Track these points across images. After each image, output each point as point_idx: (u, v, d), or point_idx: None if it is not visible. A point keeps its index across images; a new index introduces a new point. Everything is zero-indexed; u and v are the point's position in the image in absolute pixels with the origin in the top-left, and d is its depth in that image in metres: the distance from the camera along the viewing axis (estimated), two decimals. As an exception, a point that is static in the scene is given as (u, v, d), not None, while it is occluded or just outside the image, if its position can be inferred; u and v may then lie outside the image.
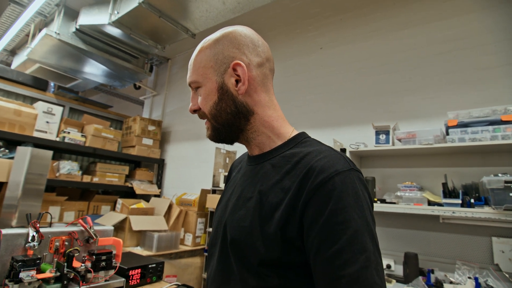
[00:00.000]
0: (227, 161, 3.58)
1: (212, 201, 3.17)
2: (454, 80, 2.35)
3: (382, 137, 2.35)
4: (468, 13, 2.38)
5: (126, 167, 3.94)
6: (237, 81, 0.70)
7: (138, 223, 2.90)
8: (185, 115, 4.43)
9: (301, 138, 0.73)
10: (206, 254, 3.20)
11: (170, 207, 3.33)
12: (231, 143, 0.77)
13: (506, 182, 1.71)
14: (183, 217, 3.31)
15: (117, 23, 3.02)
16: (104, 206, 3.75)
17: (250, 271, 0.62)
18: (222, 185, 3.28)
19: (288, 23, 3.54)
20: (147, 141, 4.14)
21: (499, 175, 1.81)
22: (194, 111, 0.76)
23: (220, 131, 0.73)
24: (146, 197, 3.93)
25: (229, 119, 0.71)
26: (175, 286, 1.35)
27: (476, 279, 1.76)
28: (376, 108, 2.66)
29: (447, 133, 2.03)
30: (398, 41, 2.68)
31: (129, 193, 3.98)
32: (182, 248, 3.10)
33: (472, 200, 1.85)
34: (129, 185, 3.84)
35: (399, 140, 2.24)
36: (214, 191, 3.33)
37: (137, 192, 3.79)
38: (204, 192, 3.41)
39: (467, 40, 2.34)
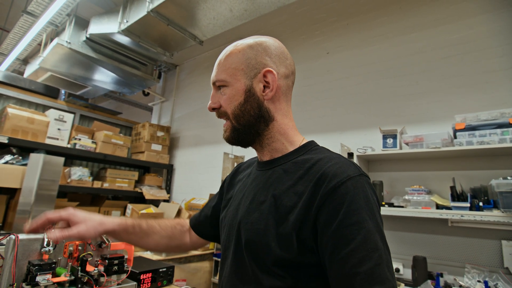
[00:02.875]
0: (235, 166, 3.60)
1: (220, 206, 3.19)
2: (461, 83, 2.34)
3: (390, 141, 2.35)
4: (473, 17, 2.38)
5: (136, 173, 4.00)
6: (264, 87, 0.74)
7: (147, 227, 2.94)
8: (193, 120, 4.49)
9: (311, 146, 0.77)
10: (215, 258, 3.22)
11: (179, 212, 3.37)
12: (246, 146, 0.79)
13: (515, 185, 1.69)
14: (191, 222, 3.34)
15: (126, 32, 3.10)
16: (114, 211, 3.81)
17: (264, 271, 0.65)
18: (229, 190, 3.31)
19: (294, 29, 3.57)
20: (156, 147, 4.20)
21: (508, 178, 1.80)
22: (213, 109, 0.78)
23: (240, 132, 0.75)
24: (155, 202, 3.98)
25: (251, 121, 0.74)
26: (185, 289, 1.38)
27: (485, 282, 1.75)
28: (383, 112, 2.66)
29: (455, 137, 2.02)
30: (404, 45, 2.69)
31: (139, 199, 4.04)
32: (192, 252, 3.12)
33: (481, 204, 1.84)
34: (139, 191, 3.90)
35: (407, 144, 2.25)
36: (222, 196, 3.36)
37: (147, 197, 3.85)
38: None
39: (473, 44, 2.34)
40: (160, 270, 1.42)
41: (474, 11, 2.38)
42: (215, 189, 3.53)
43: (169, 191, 4.36)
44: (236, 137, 0.76)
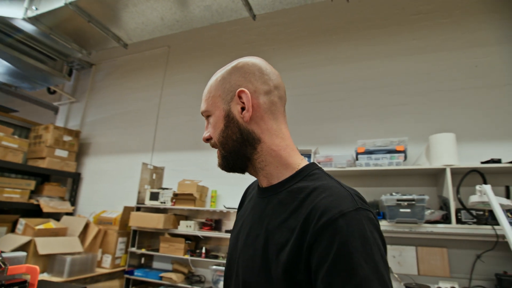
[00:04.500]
0: (154, 177, 3.45)
1: (137, 219, 3.00)
2: (364, 113, 2.80)
3: (302, 157, 2.62)
4: (373, 60, 2.89)
5: (32, 182, 3.44)
6: (242, 109, 0.69)
7: (46, 246, 2.56)
8: (109, 126, 4.13)
9: (310, 170, 0.70)
10: (126, 276, 2.98)
11: (86, 226, 3.02)
12: (242, 172, 0.75)
13: (397, 200, 2.09)
14: (101, 237, 3.04)
15: (33, 20, 2.74)
16: (-2, 227, 3.19)
17: None
18: (147, 202, 3.14)
19: (223, 46, 3.68)
20: (61, 153, 3.70)
21: (394, 194, 2.21)
22: (207, 140, 0.75)
23: (228, 159, 0.72)
24: (56, 216, 3.48)
25: (236, 147, 0.70)
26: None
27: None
28: (300, 134, 2.96)
29: (357, 158, 2.39)
30: (321, 75, 3.07)
31: (34, 211, 3.46)
32: (99, 271, 2.83)
33: (374, 216, 2.20)
34: (35, 202, 3.35)
35: (319, 163, 2.54)
36: (138, 209, 3.16)
37: (45, 210, 3.34)
38: (127, 210, 3.21)
39: (375, 82, 2.84)
40: (70, 294, 1.28)
41: (375, 55, 2.89)
42: (131, 202, 3.31)
43: (73, 203, 3.87)
44: (226, 164, 0.73)
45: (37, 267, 1.16)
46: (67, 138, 3.80)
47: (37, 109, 5.35)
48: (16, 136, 3.40)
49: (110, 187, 3.83)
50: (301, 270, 0.56)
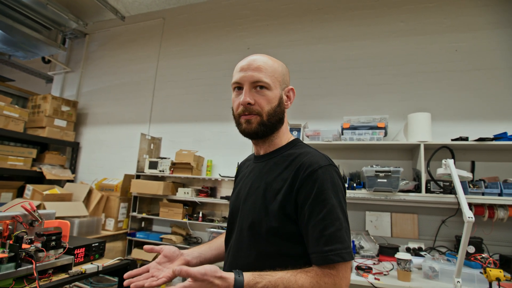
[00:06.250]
0: (152, 147, 3.63)
1: (137, 186, 3.22)
2: (351, 91, 2.98)
3: (295, 133, 2.83)
4: (362, 40, 3.03)
5: (34, 150, 3.58)
6: (287, 98, 0.98)
7: (55, 209, 2.75)
8: (106, 97, 4.22)
9: (296, 143, 0.99)
10: (129, 238, 3.25)
11: (90, 192, 3.23)
12: (262, 138, 0.95)
13: (376, 171, 2.35)
14: (104, 202, 3.27)
15: (30, -10, 2.74)
16: (4, 193, 3.36)
17: (260, 239, 0.86)
18: (147, 171, 3.35)
19: (219, 19, 3.72)
20: (60, 123, 3.82)
21: (374, 166, 2.47)
22: (249, 104, 0.90)
23: (267, 127, 0.92)
24: (58, 183, 3.68)
25: (276, 121, 0.94)
26: (118, 260, 1.50)
27: (353, 241, 2.40)
28: (290, 109, 3.12)
29: (342, 133, 2.61)
30: (311, 53, 3.20)
31: (37, 179, 3.64)
32: (104, 233, 3.09)
33: (355, 184, 2.47)
34: (38, 170, 3.52)
35: (308, 136, 2.75)
36: (138, 176, 3.37)
37: (48, 177, 3.51)
38: (127, 177, 3.42)
39: (362, 61, 3.00)
40: (93, 245, 1.50)
41: (364, 36, 3.03)
42: (131, 170, 3.52)
43: (74, 171, 4.05)
44: (262, 130, 0.91)
45: (68, 222, 1.38)
46: (65, 108, 3.89)
47: (28, 78, 5.31)
48: (16, 106, 3.48)
49: (108, 156, 3.99)
50: (291, 205, 0.85)
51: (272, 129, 0.94)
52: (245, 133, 0.93)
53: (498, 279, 1.50)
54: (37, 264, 1.16)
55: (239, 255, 0.91)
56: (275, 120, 0.93)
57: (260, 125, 0.91)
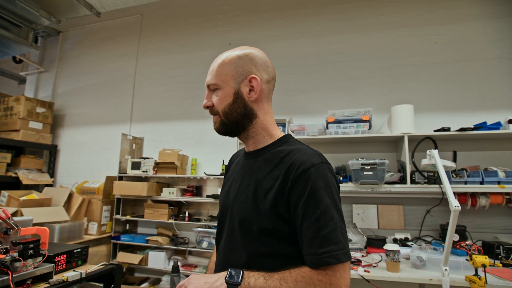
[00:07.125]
0: (134, 147, 3.53)
1: (120, 188, 3.12)
2: (334, 85, 2.99)
3: (280, 128, 2.81)
4: (347, 34, 3.04)
5: (8, 155, 3.40)
6: (250, 90, 0.89)
7: (33, 216, 2.62)
8: (83, 97, 4.05)
9: (286, 139, 0.94)
10: (113, 241, 3.15)
11: (70, 196, 3.10)
12: (234, 136, 0.95)
13: (362, 164, 2.37)
14: (86, 206, 3.15)
15: (-3, -15, 2.58)
16: (-24, 200, 3.18)
17: (252, 239, 0.83)
18: (129, 172, 3.25)
19: (199, 15, 3.64)
20: (36, 125, 3.64)
21: (359, 159, 2.49)
22: (207, 107, 0.92)
23: (227, 126, 0.91)
24: (36, 188, 3.51)
25: (237, 118, 0.89)
26: (103, 266, 1.44)
27: (341, 235, 2.41)
28: (275, 104, 3.10)
29: (327, 127, 2.62)
30: (294, 48, 3.19)
31: (12, 184, 3.46)
32: (87, 237, 2.97)
33: (341, 178, 2.48)
34: (13, 175, 3.34)
35: (293, 131, 2.74)
36: (121, 178, 3.27)
37: (24, 182, 3.35)
38: (109, 179, 3.30)
39: (344, 55, 3.01)
40: (75, 251, 1.43)
41: (345, 30, 3.04)
42: (113, 172, 3.41)
43: (52, 175, 3.88)
44: (224, 129, 0.92)
45: (47, 228, 1.30)
46: (40, 109, 3.71)
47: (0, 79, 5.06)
48: (-15, 108, 3.29)
49: (89, 158, 3.85)
50: (283, 205, 0.81)
51: (237, 126, 0.91)
52: (216, 132, 0.94)
53: (483, 265, 1.54)
54: (14, 275, 1.09)
55: (231, 255, 0.89)
56: (235, 117, 0.89)
57: (221, 125, 0.91)
